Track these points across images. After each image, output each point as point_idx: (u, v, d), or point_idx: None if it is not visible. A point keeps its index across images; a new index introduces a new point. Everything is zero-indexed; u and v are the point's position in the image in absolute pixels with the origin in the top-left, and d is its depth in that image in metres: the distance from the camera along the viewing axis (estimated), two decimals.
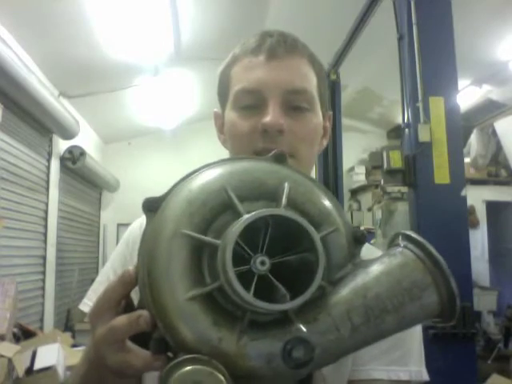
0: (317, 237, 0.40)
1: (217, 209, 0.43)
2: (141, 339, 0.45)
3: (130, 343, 0.46)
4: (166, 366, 0.38)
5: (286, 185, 0.45)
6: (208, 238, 0.41)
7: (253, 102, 0.63)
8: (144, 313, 0.42)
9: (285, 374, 0.40)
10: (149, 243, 0.43)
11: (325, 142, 0.71)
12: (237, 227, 0.39)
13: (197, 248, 0.41)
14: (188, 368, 0.37)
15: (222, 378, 0.37)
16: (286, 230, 0.41)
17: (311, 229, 0.40)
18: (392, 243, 0.47)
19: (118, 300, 0.46)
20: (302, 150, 0.64)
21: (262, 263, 0.40)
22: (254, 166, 0.47)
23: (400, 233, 0.47)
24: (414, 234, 0.45)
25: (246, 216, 0.40)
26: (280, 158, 0.48)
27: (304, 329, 0.40)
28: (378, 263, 0.45)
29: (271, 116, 0.61)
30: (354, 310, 0.41)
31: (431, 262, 0.43)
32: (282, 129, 0.61)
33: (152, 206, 0.45)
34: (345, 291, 0.42)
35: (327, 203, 0.47)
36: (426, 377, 0.65)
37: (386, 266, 0.44)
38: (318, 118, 0.67)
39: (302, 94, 0.64)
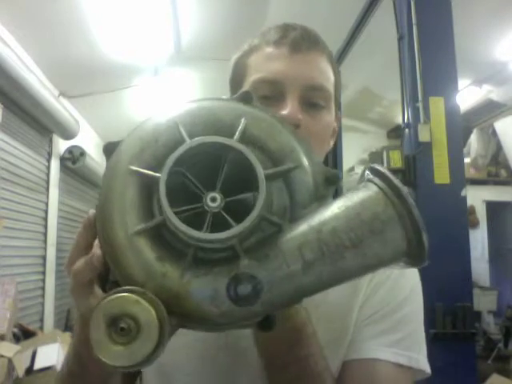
0: (257, 163, 0.39)
1: (169, 145, 0.42)
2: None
3: (96, 288, 0.46)
4: (104, 296, 0.37)
5: (243, 120, 0.43)
6: (150, 172, 0.40)
7: (270, 93, 0.62)
8: (96, 252, 0.43)
9: (233, 312, 0.38)
10: (103, 185, 0.43)
11: (332, 142, 0.71)
12: (173, 154, 0.38)
13: (146, 185, 0.41)
14: (116, 296, 0.37)
15: (150, 307, 0.36)
16: (242, 170, 0.40)
17: (252, 156, 0.39)
18: (361, 179, 0.45)
19: (85, 245, 0.46)
20: (314, 147, 0.64)
21: (213, 200, 0.39)
22: (212, 103, 0.45)
23: (368, 166, 0.44)
24: (378, 167, 0.43)
25: (185, 143, 0.39)
26: (246, 97, 0.46)
27: (252, 264, 0.38)
28: (340, 199, 0.42)
29: (290, 110, 0.60)
30: (307, 245, 0.39)
31: (393, 194, 0.40)
32: (299, 124, 0.60)
33: (111, 149, 0.44)
34: (301, 227, 0.40)
35: (292, 141, 0.44)
36: (424, 366, 0.63)
37: (347, 199, 0.41)
38: (332, 116, 0.67)
39: (321, 91, 0.64)
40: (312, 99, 0.63)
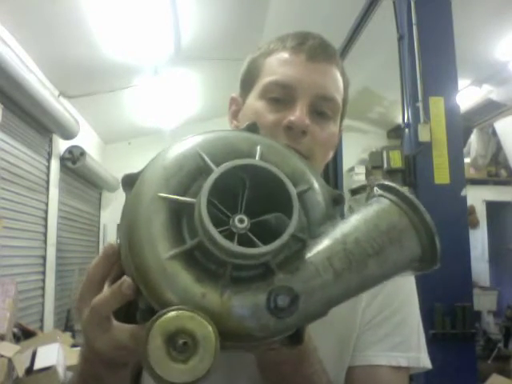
0: (290, 184, 0.41)
1: (192, 173, 0.43)
2: (127, 321, 0.45)
3: (116, 322, 0.45)
4: (152, 318, 0.37)
5: (259, 147, 0.46)
6: (184, 198, 0.42)
7: (281, 96, 0.63)
8: (126, 279, 0.42)
9: (271, 325, 0.39)
10: (128, 214, 0.43)
11: (332, 154, 0.72)
12: (209, 180, 0.40)
13: (175, 210, 0.42)
14: (170, 314, 0.37)
15: (205, 322, 0.37)
16: (263, 192, 0.42)
17: (285, 178, 0.41)
18: (370, 195, 0.48)
19: (102, 277, 0.45)
20: (318, 155, 0.65)
21: (241, 221, 0.40)
22: (226, 133, 0.48)
23: (376, 183, 0.48)
24: (387, 182, 0.46)
25: (218, 168, 0.41)
26: (252, 128, 0.49)
27: (287, 278, 0.40)
28: (355, 214, 0.45)
29: (298, 115, 0.61)
30: (335, 256, 0.42)
31: (406, 205, 0.44)
32: (306, 130, 0.61)
33: (130, 181, 0.45)
34: (325, 241, 0.43)
35: (301, 165, 0.48)
36: (424, 363, 0.65)
37: (362, 214, 0.45)
38: (337, 128, 0.68)
39: (330, 102, 0.65)
40: (320, 108, 0.64)
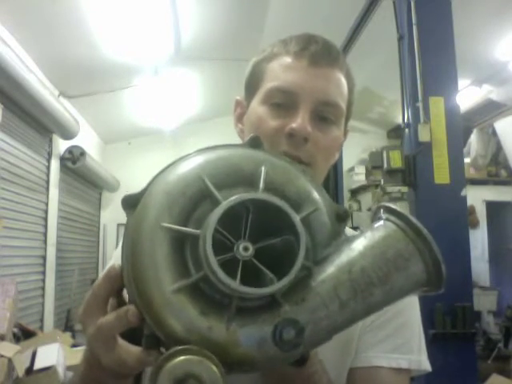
0: (296, 218, 0.41)
1: (195, 198, 0.43)
2: (133, 337, 0.45)
3: (121, 341, 0.45)
4: (158, 359, 0.37)
5: (263, 168, 0.45)
6: (188, 229, 0.41)
7: (284, 102, 0.63)
8: (131, 307, 0.42)
9: (277, 356, 0.40)
10: (130, 239, 0.43)
11: (337, 155, 0.71)
12: (215, 214, 0.39)
13: (178, 240, 0.41)
14: (178, 359, 0.37)
15: (212, 365, 0.37)
16: (266, 215, 0.42)
17: (290, 210, 0.41)
18: (375, 217, 0.48)
19: (106, 297, 0.46)
20: (320, 161, 0.65)
21: (245, 249, 0.40)
22: (229, 152, 0.47)
23: (381, 205, 0.47)
24: (393, 206, 0.46)
25: (224, 202, 0.40)
26: (255, 143, 0.48)
27: (293, 310, 0.40)
28: (361, 238, 0.45)
29: (300, 122, 0.61)
30: (341, 286, 0.41)
31: (413, 231, 0.43)
32: (308, 137, 0.61)
33: (131, 203, 0.44)
34: (330, 269, 0.42)
35: (306, 183, 0.47)
36: (425, 366, 0.66)
37: (369, 239, 0.44)
38: (340, 132, 0.68)
39: (333, 107, 0.65)
40: (323, 113, 0.64)
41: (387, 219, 0.45)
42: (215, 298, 0.40)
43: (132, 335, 0.46)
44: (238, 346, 0.39)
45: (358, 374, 0.64)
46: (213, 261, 0.38)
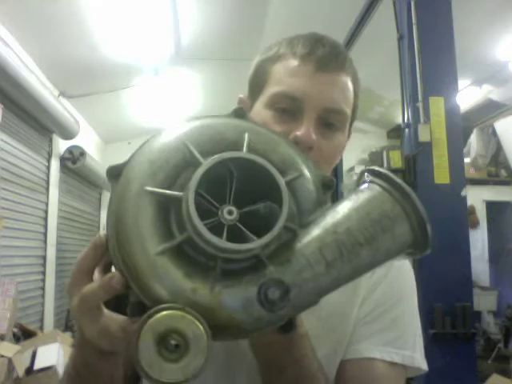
0: (279, 177, 0.41)
1: (180, 165, 0.43)
2: (118, 308, 0.45)
3: (106, 310, 0.45)
4: (142, 317, 0.37)
5: (246, 135, 0.45)
6: (171, 192, 0.41)
7: (289, 107, 0.62)
8: (115, 273, 0.42)
9: (263, 318, 0.39)
10: (115, 206, 0.43)
11: (338, 159, 0.71)
12: (197, 174, 0.39)
13: (162, 204, 0.41)
14: (161, 314, 0.37)
15: (195, 321, 0.37)
16: (250, 181, 0.42)
17: (274, 170, 0.41)
18: (360, 181, 0.47)
19: (92, 267, 0.46)
20: (323, 167, 0.64)
21: (230, 213, 0.40)
22: (213, 121, 0.47)
23: (366, 169, 0.47)
24: (378, 168, 0.46)
25: (206, 162, 0.40)
26: (240, 114, 0.48)
27: (277, 270, 0.40)
28: (346, 201, 0.45)
29: (304, 131, 0.60)
30: (327, 247, 0.41)
31: (398, 192, 0.43)
32: (312, 146, 0.60)
33: (115, 173, 0.44)
34: (315, 231, 0.42)
35: (291, 151, 0.47)
36: (419, 364, 0.65)
37: (354, 201, 0.44)
38: (345, 137, 0.68)
39: (338, 114, 0.64)
40: (328, 120, 0.63)
41: (372, 181, 0.45)
42: (200, 260, 0.40)
43: (117, 306, 0.45)
44: (223, 307, 0.39)
45: (348, 365, 0.63)
46: (196, 219, 0.38)
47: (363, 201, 0.44)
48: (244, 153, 0.42)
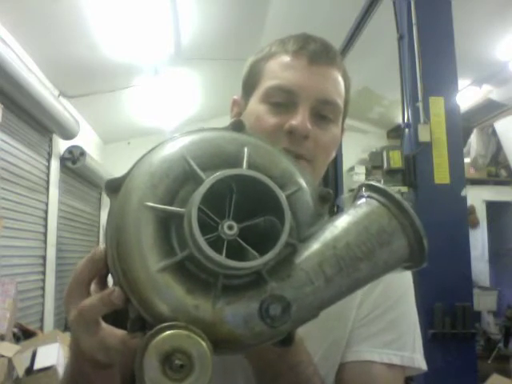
0: (280, 193, 0.41)
1: (180, 179, 0.43)
2: (116, 323, 0.45)
3: (105, 324, 0.45)
4: (145, 335, 0.37)
5: (246, 149, 0.45)
6: (172, 208, 0.41)
7: (283, 101, 0.63)
8: (116, 289, 0.42)
9: (264, 332, 0.40)
10: (114, 220, 0.42)
11: (334, 154, 0.72)
12: (199, 191, 0.39)
13: (163, 219, 0.41)
14: (165, 333, 0.37)
15: (200, 340, 0.37)
16: (250, 196, 0.42)
17: (274, 186, 0.41)
18: (357, 195, 0.48)
19: (89, 280, 0.46)
20: (319, 158, 0.65)
21: (230, 228, 0.40)
22: (212, 134, 0.47)
23: (363, 184, 0.48)
24: (375, 183, 0.47)
25: (208, 179, 0.40)
26: (238, 126, 0.48)
27: (279, 286, 0.40)
28: (344, 216, 0.45)
29: (300, 120, 0.61)
30: (326, 261, 0.42)
31: (395, 207, 0.44)
32: (308, 135, 0.61)
33: (114, 186, 0.44)
34: (315, 245, 0.43)
35: (289, 165, 0.47)
36: (419, 364, 0.65)
37: (352, 216, 0.45)
38: (339, 129, 0.69)
39: (332, 105, 0.65)
40: (322, 111, 0.64)
41: (370, 196, 0.46)
42: (201, 277, 0.40)
43: (115, 321, 0.45)
44: (225, 323, 0.39)
45: (347, 368, 0.63)
46: (198, 236, 0.37)
47: (361, 215, 0.45)
48: (245, 169, 0.43)
